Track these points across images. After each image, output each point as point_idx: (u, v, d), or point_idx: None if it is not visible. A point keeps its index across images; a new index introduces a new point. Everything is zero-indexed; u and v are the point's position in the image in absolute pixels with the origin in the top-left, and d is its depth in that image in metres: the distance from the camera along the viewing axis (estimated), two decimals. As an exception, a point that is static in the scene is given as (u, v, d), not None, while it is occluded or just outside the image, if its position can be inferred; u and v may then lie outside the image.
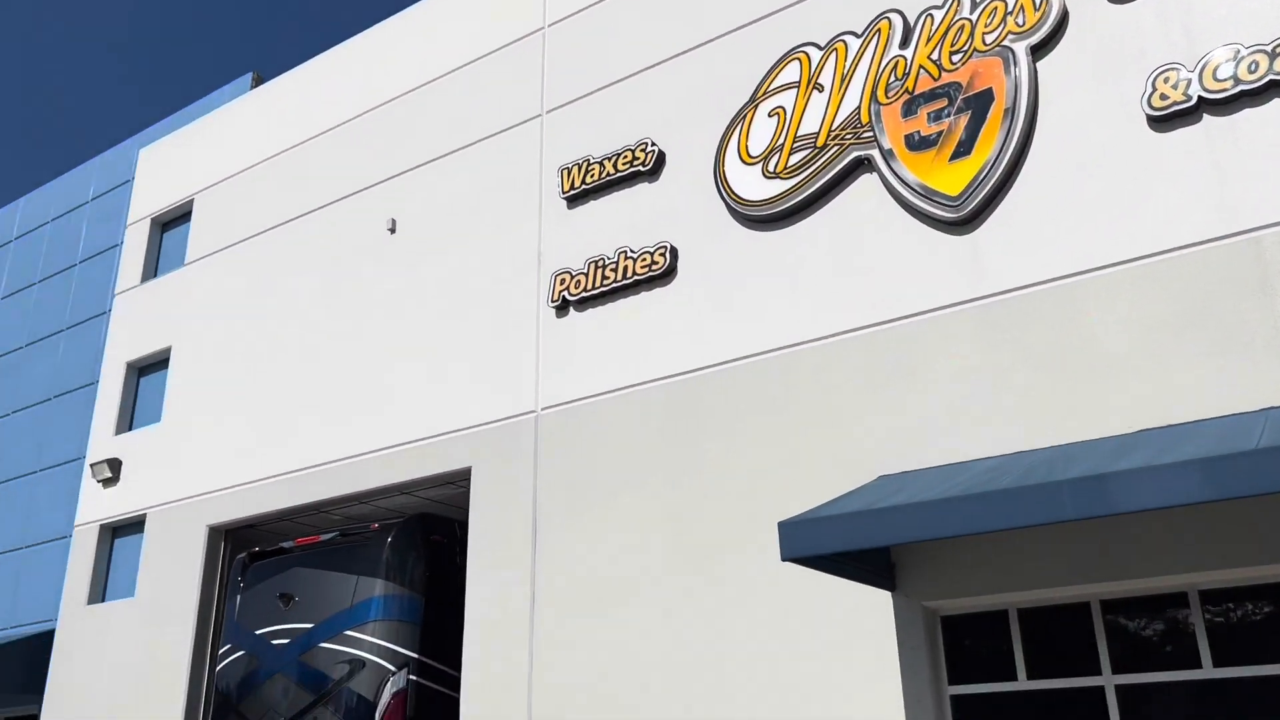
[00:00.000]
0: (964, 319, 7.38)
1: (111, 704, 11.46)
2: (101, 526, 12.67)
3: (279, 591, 9.91)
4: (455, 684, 9.27)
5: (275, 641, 9.66)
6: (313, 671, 9.26)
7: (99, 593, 12.51)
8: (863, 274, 7.93)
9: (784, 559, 5.86)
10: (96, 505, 12.82)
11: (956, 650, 6.89)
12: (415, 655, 9.09)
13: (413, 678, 8.99)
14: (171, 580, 11.50)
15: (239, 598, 10.28)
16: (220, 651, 10.20)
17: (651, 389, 8.72)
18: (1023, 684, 6.59)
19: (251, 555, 10.48)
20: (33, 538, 13.92)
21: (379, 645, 9.08)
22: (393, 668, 8.97)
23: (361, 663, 9.03)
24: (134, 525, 12.50)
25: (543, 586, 8.68)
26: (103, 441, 13.15)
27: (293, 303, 11.85)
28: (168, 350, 13.04)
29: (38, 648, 12.63)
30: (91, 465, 12.94)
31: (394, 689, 8.88)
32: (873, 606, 7.02)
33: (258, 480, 11.23)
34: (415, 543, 9.58)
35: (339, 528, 10.19)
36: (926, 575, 6.86)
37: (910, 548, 6.91)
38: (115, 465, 12.76)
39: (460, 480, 9.87)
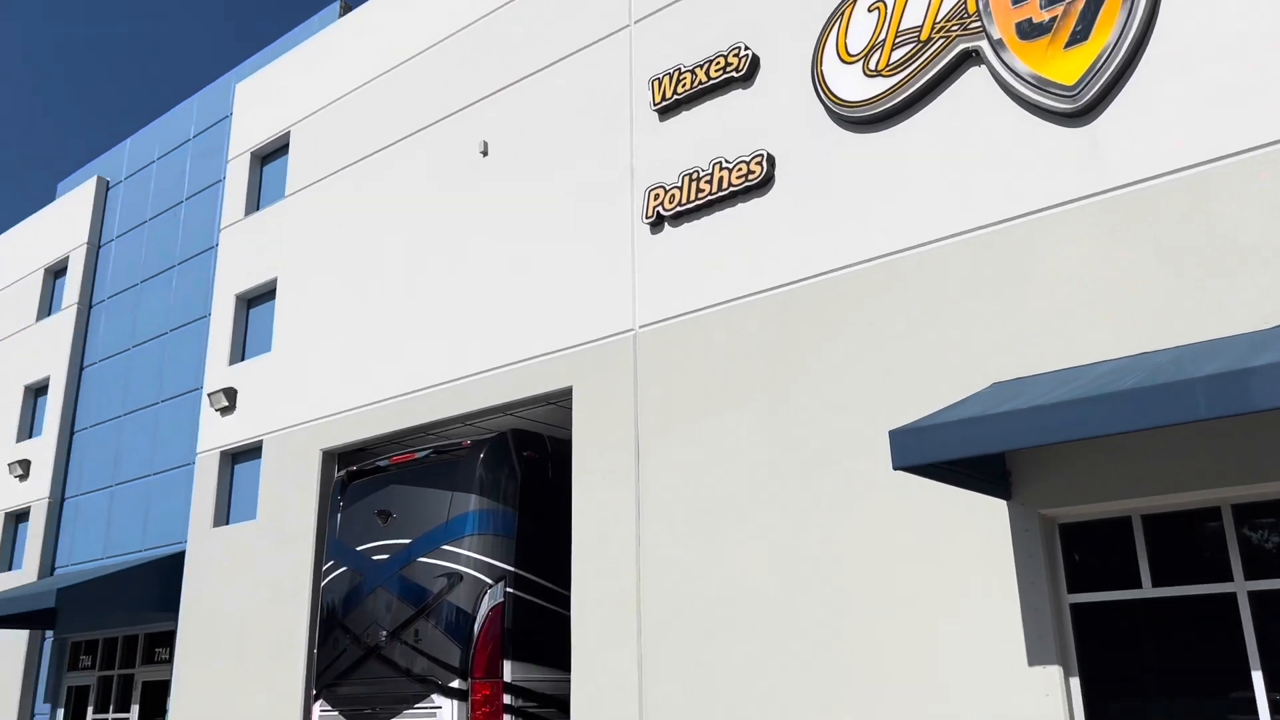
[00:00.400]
0: (1082, 215, 7.00)
1: (241, 620, 12.04)
2: (222, 453, 13.18)
3: (377, 509, 10.15)
4: (552, 597, 9.45)
5: (375, 557, 9.93)
6: (412, 585, 9.52)
7: (223, 516, 13.07)
8: (972, 173, 7.58)
9: (895, 468, 5.72)
10: (216, 433, 13.33)
11: (1075, 558, 6.69)
12: (511, 569, 9.26)
13: (509, 590, 9.17)
14: (289, 503, 11.93)
15: (339, 516, 10.56)
16: (324, 568, 10.52)
17: (751, 302, 8.56)
18: (1147, 591, 6.37)
19: (350, 474, 10.73)
20: (159, 465, 14.57)
21: (475, 559, 9.27)
22: (489, 580, 9.16)
23: (459, 576, 9.24)
24: (252, 451, 12.96)
25: (647, 503, 8.71)
26: (218, 372, 13.61)
27: (391, 229, 11.96)
28: (273, 281, 13.35)
29: (170, 568, 13.29)
30: (209, 395, 13.42)
31: (491, 601, 9.08)
32: (987, 516, 6.85)
33: (365, 405, 11.49)
34: (507, 458, 9.69)
35: (432, 445, 10.34)
36: (1044, 482, 6.64)
37: (1027, 455, 6.69)
38: (231, 394, 13.21)
39: (562, 400, 9.93)
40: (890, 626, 7.14)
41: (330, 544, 10.56)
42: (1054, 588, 6.60)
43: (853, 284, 8.00)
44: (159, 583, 13.23)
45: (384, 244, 12.00)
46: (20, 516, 16.79)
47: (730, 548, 8.11)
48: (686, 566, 8.33)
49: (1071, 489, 6.54)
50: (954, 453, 5.53)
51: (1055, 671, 6.39)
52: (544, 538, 9.57)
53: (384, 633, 9.54)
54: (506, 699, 8.84)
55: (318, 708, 9.90)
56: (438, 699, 8.92)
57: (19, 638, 15.60)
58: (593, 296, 9.69)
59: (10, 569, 16.52)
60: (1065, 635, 6.52)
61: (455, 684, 8.88)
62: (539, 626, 9.30)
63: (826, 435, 7.81)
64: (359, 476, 10.60)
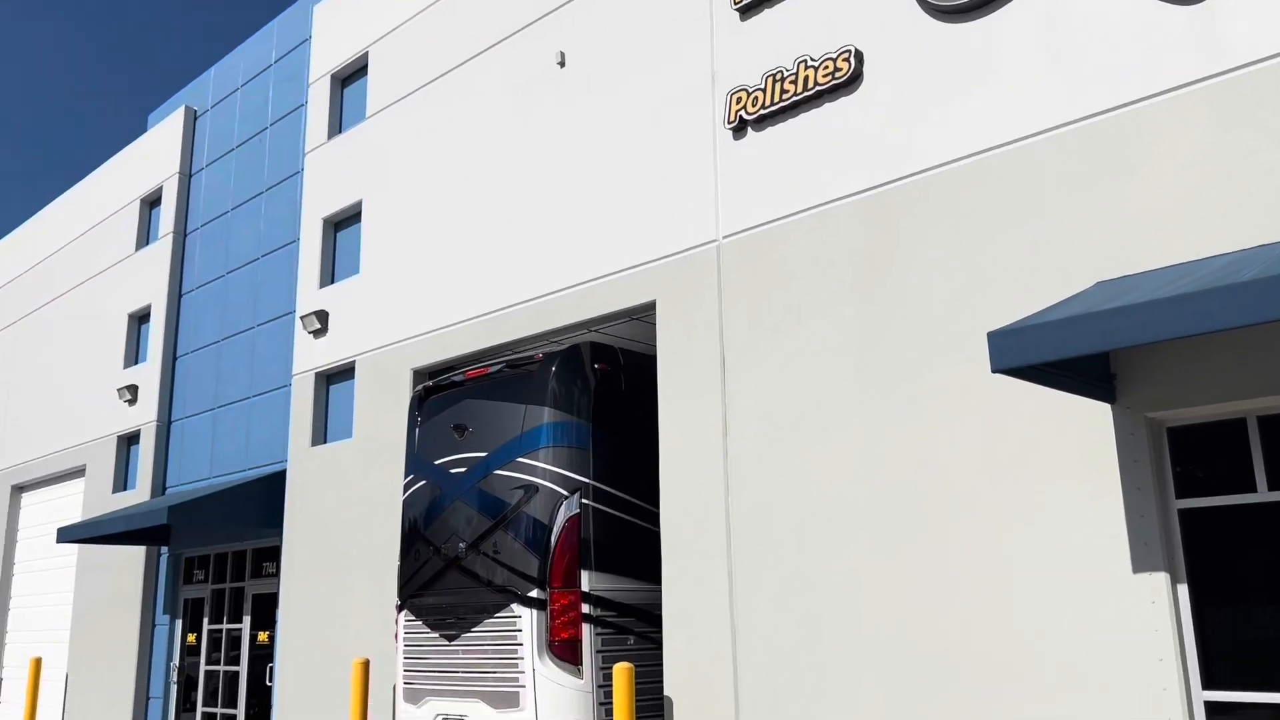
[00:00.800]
0: (1196, 100, 6.55)
1: (341, 534, 12.43)
2: (316, 375, 13.48)
3: (453, 423, 10.25)
4: (629, 508, 9.48)
5: (453, 471, 10.06)
6: (490, 498, 9.64)
7: (321, 435, 13.42)
8: (1074, 60, 7.14)
9: (994, 371, 5.50)
10: (310, 355, 13.62)
11: (1184, 462, 6.41)
12: (586, 480, 9.30)
13: (585, 502, 9.22)
14: (382, 421, 12.17)
15: (417, 431, 10.70)
16: (405, 482, 10.70)
17: (839, 206, 8.29)
18: (1262, 495, 6.08)
19: (426, 389, 10.83)
20: (258, 387, 14.99)
21: (550, 471, 9.33)
22: (565, 492, 9.21)
23: (535, 488, 9.32)
24: (345, 372, 13.23)
25: (734, 415, 8.63)
26: (309, 295, 13.86)
27: (472, 147, 11.89)
28: (359, 204, 13.45)
29: (272, 486, 13.75)
30: (301, 318, 13.69)
31: (568, 513, 9.15)
32: (1090, 420, 6.59)
33: (452, 324, 11.58)
34: (579, 370, 9.66)
35: (504, 359, 10.35)
36: (1151, 384, 6.34)
37: (1133, 355, 6.39)
38: (323, 316, 13.45)
39: (646, 314, 9.84)
40: (987, 536, 6.98)
41: (409, 458, 10.73)
42: (1161, 493, 6.35)
43: (946, 183, 7.68)
44: (262, 500, 13.71)
45: (464, 162, 11.95)
46: (131, 439, 17.53)
47: (820, 458, 8.00)
48: (775, 478, 8.26)
49: (1181, 391, 6.24)
50: (1057, 353, 5.28)
51: (1162, 579, 6.18)
52: (619, 450, 9.59)
53: (463, 544, 9.71)
54: (585, 608, 8.95)
55: (402, 618, 10.17)
56: (517, 608, 9.07)
57: (137, 554, 16.41)
58: (675, 207, 9.51)
59: (125, 489, 17.31)
60: (1173, 541, 6.29)
61: (534, 594, 9.01)
62: (617, 537, 9.37)
63: (919, 341, 7.58)
64: (435, 392, 10.71)
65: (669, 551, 8.89)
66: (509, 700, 8.96)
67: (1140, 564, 6.25)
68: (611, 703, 8.89)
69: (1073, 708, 6.40)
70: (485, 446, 9.86)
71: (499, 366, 10.19)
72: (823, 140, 8.47)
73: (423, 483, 10.41)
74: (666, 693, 8.67)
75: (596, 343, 10.04)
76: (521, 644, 8.97)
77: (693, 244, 9.29)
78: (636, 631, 9.29)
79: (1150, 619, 6.17)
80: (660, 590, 9.44)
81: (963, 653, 6.97)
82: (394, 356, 12.28)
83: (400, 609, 10.24)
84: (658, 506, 9.65)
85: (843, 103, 8.38)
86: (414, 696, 9.84)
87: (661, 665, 9.21)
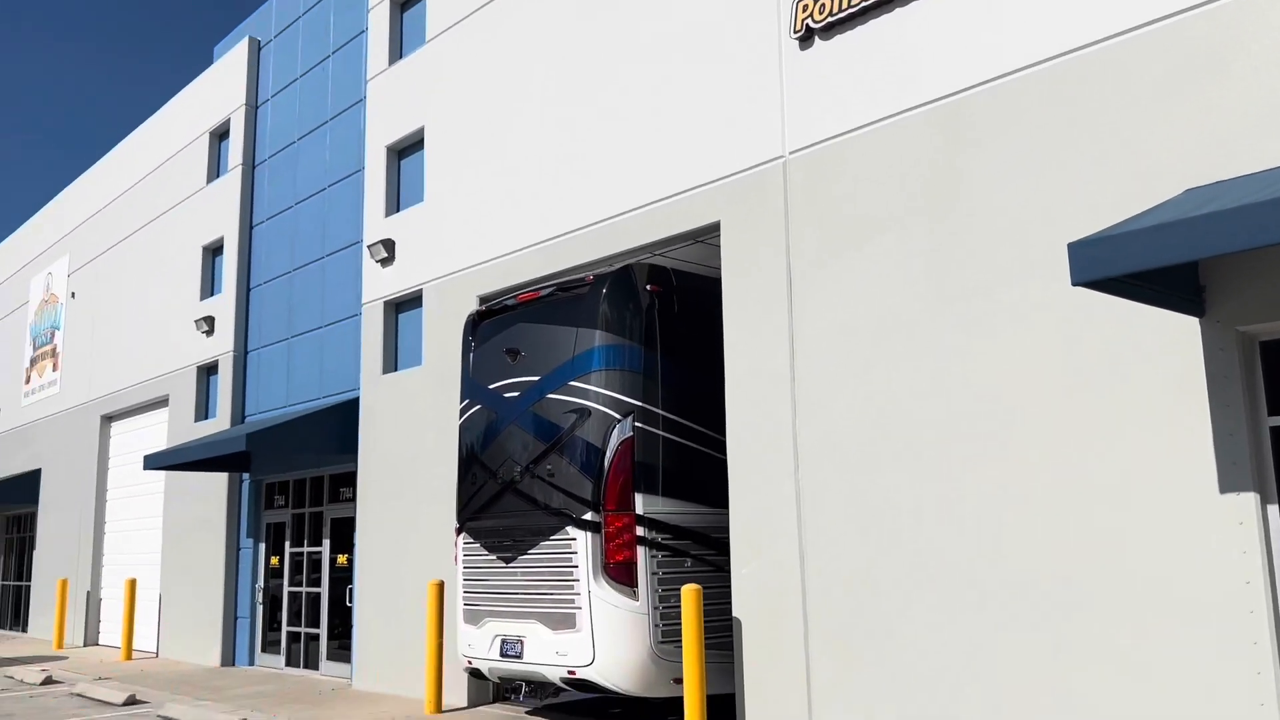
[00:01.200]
0: (1299, -10, 6.08)
1: (412, 460, 12.62)
2: (385, 303, 13.58)
3: (506, 347, 10.22)
4: (684, 431, 9.41)
5: (507, 395, 10.05)
6: (543, 421, 9.63)
7: (391, 363, 13.57)
8: (1165, -49, 6.67)
9: (1074, 284, 5.25)
10: (378, 284, 13.71)
11: (1277, 378, 6.10)
12: (639, 403, 9.22)
13: (638, 425, 9.16)
14: (450, 348, 12.22)
15: (471, 355, 10.70)
16: (461, 406, 10.73)
17: (911, 117, 7.96)
18: (1362, 413, 5.77)
19: (479, 314, 10.81)
20: (329, 317, 15.18)
21: (602, 394, 9.27)
22: (618, 415, 9.16)
23: (587, 412, 9.27)
24: (413, 300, 13.30)
25: (801, 335, 8.46)
26: (375, 224, 13.90)
27: (531, 68, 11.69)
28: (421, 130, 13.37)
29: (346, 413, 13.99)
30: (368, 247, 13.76)
31: (620, 436, 9.11)
32: (1177, 335, 6.30)
33: (516, 250, 11.52)
34: (631, 292, 9.52)
35: (556, 282, 10.23)
36: (1243, 296, 6.01)
37: (1224, 265, 6.06)
38: (389, 245, 13.50)
39: (711, 236, 9.65)
40: (1066, 456, 6.77)
41: (464, 383, 10.75)
42: (1252, 410, 6.06)
43: (1024, 89, 7.30)
44: (337, 427, 13.96)
45: (525, 83, 11.76)
46: (210, 369, 17.96)
47: (891, 379, 7.81)
48: (844, 400, 8.10)
49: (1275, 303, 5.91)
50: (1143, 263, 5.01)
51: (1250, 499, 5.93)
52: (675, 372, 9.48)
53: (518, 468, 9.74)
54: (639, 531, 8.96)
55: (460, 541, 10.30)
56: (572, 531, 9.12)
57: (220, 480, 16.91)
58: (740, 124, 9.25)
59: (207, 418, 17.79)
60: (1264, 460, 6.01)
61: (588, 517, 9.04)
62: (671, 460, 9.31)
63: (994, 255, 7.30)
64: (487, 316, 10.68)
65: (736, 474, 8.83)
66: (565, 622, 9.06)
67: (1228, 484, 6.00)
68: (667, 624, 8.94)
69: (1156, 631, 6.23)
70: (538, 370, 9.83)
71: (550, 289, 10.10)
72: (893, 47, 8.11)
73: (478, 407, 10.43)
74: (735, 614, 8.69)
75: (649, 263, 9.85)
76: (577, 566, 9.03)
77: (758, 161, 9.04)
78: (693, 554, 9.29)
79: (1238, 540, 5.94)
80: (717, 513, 9.41)
81: (1038, 576, 6.81)
82: (460, 284, 12.29)
83: (459, 532, 10.38)
84: (714, 429, 9.56)
85: (914, 7, 7.99)
86: (473, 617, 10.01)
87: (721, 587, 9.22)
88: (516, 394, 9.95)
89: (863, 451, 7.92)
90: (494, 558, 9.82)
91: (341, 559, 14.59)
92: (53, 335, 24.85)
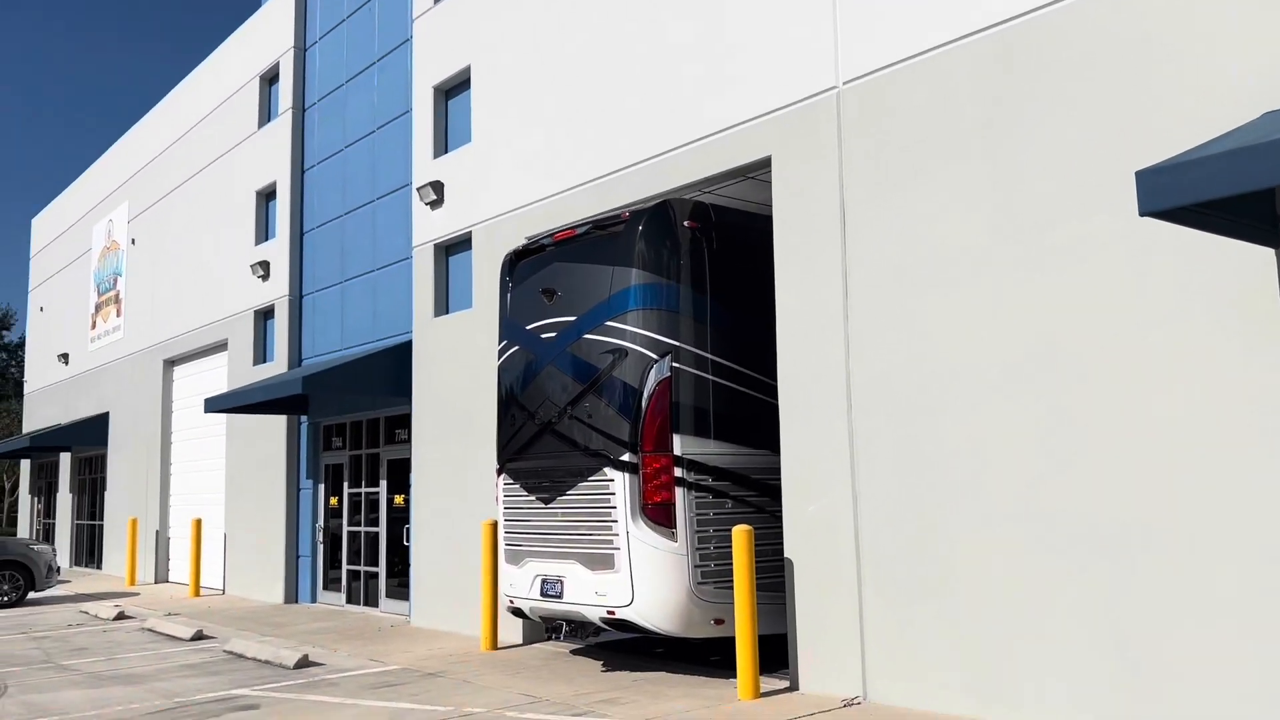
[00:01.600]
0: (1394, -106, 5.66)
1: (465, 402, 12.68)
2: (435, 246, 13.56)
3: (542, 287, 10.09)
4: (724, 371, 9.24)
5: (544, 335, 9.94)
6: (581, 362, 9.52)
7: (443, 306, 13.59)
8: None
9: (1142, 214, 5.00)
10: (428, 227, 13.69)
11: (1359, 313, 5.80)
12: (676, 343, 9.07)
13: (676, 365, 9.02)
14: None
15: (509, 296, 10.58)
16: (499, 347, 10.65)
17: (967, 44, 7.64)
18: None
19: (516, 253, 10.65)
20: (381, 260, 15.23)
21: (639, 334, 9.12)
22: (655, 355, 9.01)
23: (624, 352, 9.14)
24: (463, 243, 13.26)
25: (855, 274, 8.26)
26: (424, 166, 13.84)
27: (578, 2, 11.44)
28: (467, 70, 13.22)
29: (400, 356, 14.08)
30: (417, 190, 13.71)
31: (658, 376, 8.97)
32: (1251, 266, 6.00)
33: (564, 190, 11.39)
34: (668, 229, 9.28)
35: (591, 219, 10.02)
36: (1325, 226, 5.71)
37: (1304, 194, 5.74)
38: (438, 187, 13.44)
39: (762, 171, 9.42)
40: (1131, 396, 6.54)
41: (502, 323, 10.66)
42: (1330, 346, 5.78)
43: (1090, 10, 6.94)
44: (391, 370, 14.07)
45: (571, 19, 11.52)
46: (267, 314, 18.18)
47: (947, 318, 7.60)
48: (899, 339, 7.91)
49: (1360, 232, 5.60)
50: (1215, 191, 4.75)
51: (1326, 438, 5.68)
52: (716, 311, 9.28)
53: (556, 409, 9.68)
54: (678, 472, 8.87)
55: (501, 481, 10.31)
56: (610, 472, 9.06)
57: (280, 422, 17.20)
58: (791, 55, 8.96)
59: (265, 361, 18.06)
60: (1341, 398, 5.75)
61: (626, 457, 8.97)
62: (711, 401, 9.16)
63: (1055, 188, 7.01)
64: (524, 256, 10.53)
65: (788, 415, 8.71)
66: (604, 562, 9.06)
67: (1302, 423, 5.75)
68: (706, 565, 8.90)
69: (1219, 582, 6.03)
70: (574, 310, 9.70)
71: (586, 227, 9.91)
72: (952, -29, 7.75)
73: (516, 348, 10.35)
74: (787, 554, 8.63)
75: (687, 199, 9.60)
76: (615, 507, 8.99)
77: (810, 93, 8.76)
78: (733, 495, 9.19)
79: (1311, 481, 5.70)
80: (759, 454, 9.29)
81: (1098, 520, 6.63)
82: (509, 225, 12.21)
83: (500, 473, 10.39)
84: (755, 369, 9.40)
85: (975, -74, 7.61)
86: (514, 557, 10.07)
87: (764, 529, 9.13)
88: (554, 334, 9.85)
89: (918, 392, 7.75)
90: (533, 498, 9.83)
91: (399, 499, 14.80)
92: (115, 281, 25.35)
